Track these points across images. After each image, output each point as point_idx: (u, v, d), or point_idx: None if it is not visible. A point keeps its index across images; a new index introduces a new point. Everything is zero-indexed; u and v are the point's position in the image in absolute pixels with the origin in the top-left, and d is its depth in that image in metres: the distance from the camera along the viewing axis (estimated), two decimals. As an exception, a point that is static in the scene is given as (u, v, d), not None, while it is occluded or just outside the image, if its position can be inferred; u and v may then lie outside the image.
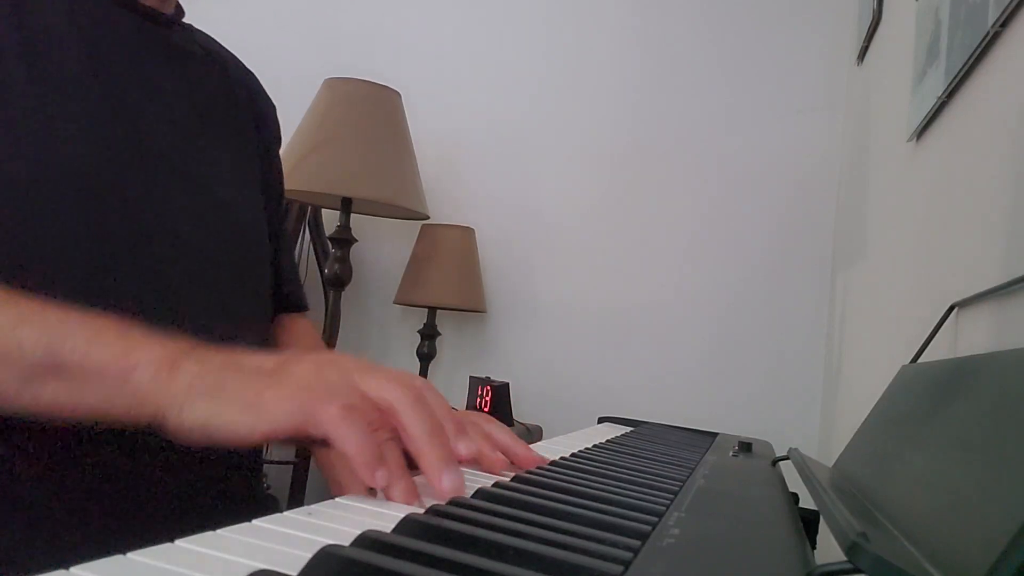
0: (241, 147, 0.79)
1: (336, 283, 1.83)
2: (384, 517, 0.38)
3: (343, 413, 0.41)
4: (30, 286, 0.51)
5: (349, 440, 0.41)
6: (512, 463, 0.57)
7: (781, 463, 0.72)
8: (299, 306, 0.90)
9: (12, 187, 0.55)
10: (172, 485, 0.62)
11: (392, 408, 0.44)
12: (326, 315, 1.82)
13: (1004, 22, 0.66)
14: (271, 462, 1.84)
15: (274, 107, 0.89)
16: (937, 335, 0.71)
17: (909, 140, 1.00)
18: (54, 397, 0.48)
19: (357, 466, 0.41)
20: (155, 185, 0.65)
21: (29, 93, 0.59)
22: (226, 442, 0.45)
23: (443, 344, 1.98)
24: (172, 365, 0.47)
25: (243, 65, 0.87)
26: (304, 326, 0.89)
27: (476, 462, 0.54)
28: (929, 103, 0.88)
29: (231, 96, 0.81)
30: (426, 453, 0.43)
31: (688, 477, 0.60)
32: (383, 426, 0.44)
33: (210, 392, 0.46)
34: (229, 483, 0.69)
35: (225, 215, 0.73)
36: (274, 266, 0.83)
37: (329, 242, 1.85)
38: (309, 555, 0.28)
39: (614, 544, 0.35)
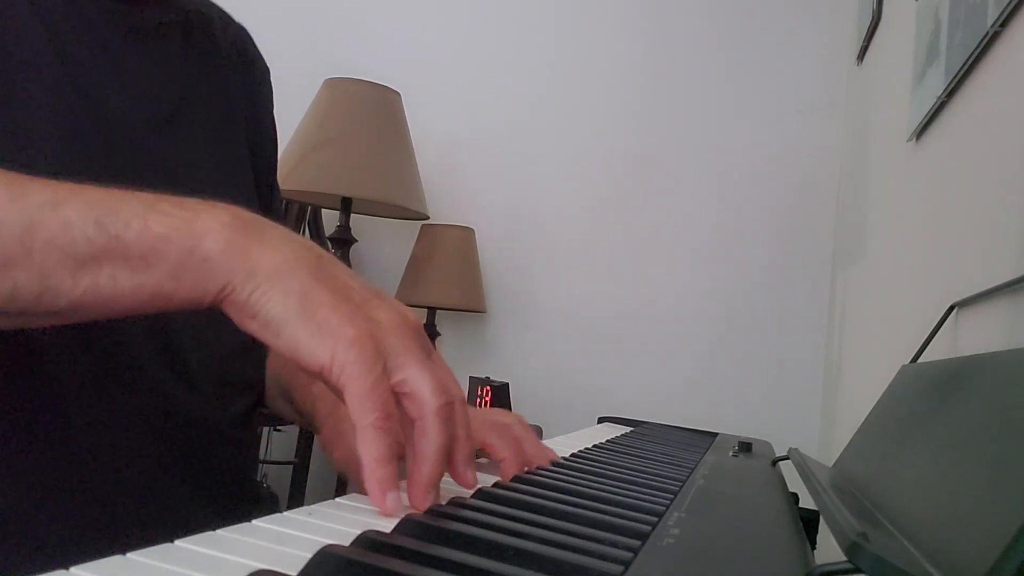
0: (227, 125, 0.74)
1: (336, 283, 1.82)
2: (384, 517, 0.38)
3: (378, 425, 0.39)
4: None
5: (371, 453, 0.39)
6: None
7: (781, 463, 0.72)
8: None
9: None
10: (167, 483, 0.62)
11: (421, 411, 0.41)
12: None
13: (1004, 22, 0.66)
14: (271, 462, 1.85)
15: (267, 69, 0.82)
16: (937, 335, 0.71)
17: (909, 140, 1.00)
18: (113, 282, 0.41)
19: (368, 483, 0.39)
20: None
21: None
22: (282, 351, 0.41)
23: (443, 344, 1.97)
24: (247, 234, 0.42)
25: (230, 21, 0.79)
26: None
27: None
28: (929, 103, 0.88)
29: (217, 69, 0.74)
30: (421, 471, 0.41)
31: (688, 477, 0.60)
32: (395, 425, 0.41)
33: (297, 292, 0.41)
34: (225, 481, 0.68)
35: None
36: None
37: (329, 242, 1.85)
38: (309, 555, 0.28)
39: (614, 544, 0.35)
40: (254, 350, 0.72)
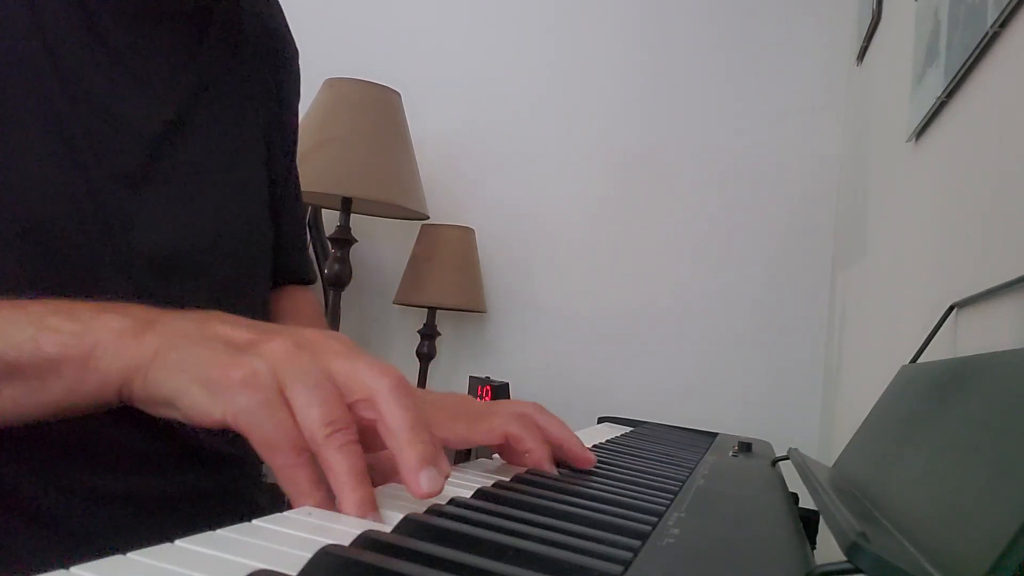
0: (243, 121, 0.69)
1: (336, 283, 1.83)
2: (384, 517, 0.38)
3: (289, 463, 0.37)
4: None
5: (296, 490, 0.38)
6: (564, 460, 0.56)
7: (781, 463, 0.72)
8: (302, 278, 0.82)
9: None
10: (171, 486, 0.62)
11: (372, 397, 0.39)
12: (326, 315, 1.82)
13: (1003, 22, 0.66)
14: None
15: (296, 52, 0.78)
16: (937, 335, 0.71)
17: (909, 140, 1.00)
18: (12, 401, 0.43)
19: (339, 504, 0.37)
20: (125, 205, 0.57)
21: None
22: (189, 422, 0.40)
23: (443, 344, 1.98)
24: (136, 336, 0.42)
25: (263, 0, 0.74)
26: (305, 299, 0.82)
27: (523, 457, 0.55)
28: (929, 103, 0.88)
29: (238, 56, 0.69)
30: (404, 449, 0.38)
31: (688, 477, 0.60)
32: (347, 425, 0.39)
33: (176, 363, 0.41)
34: (229, 482, 0.68)
35: (214, 223, 0.64)
36: (276, 234, 0.74)
37: (329, 242, 1.85)
38: (309, 555, 0.28)
39: (614, 544, 0.35)
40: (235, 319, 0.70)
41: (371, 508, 0.37)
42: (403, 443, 0.38)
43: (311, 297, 0.84)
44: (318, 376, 0.39)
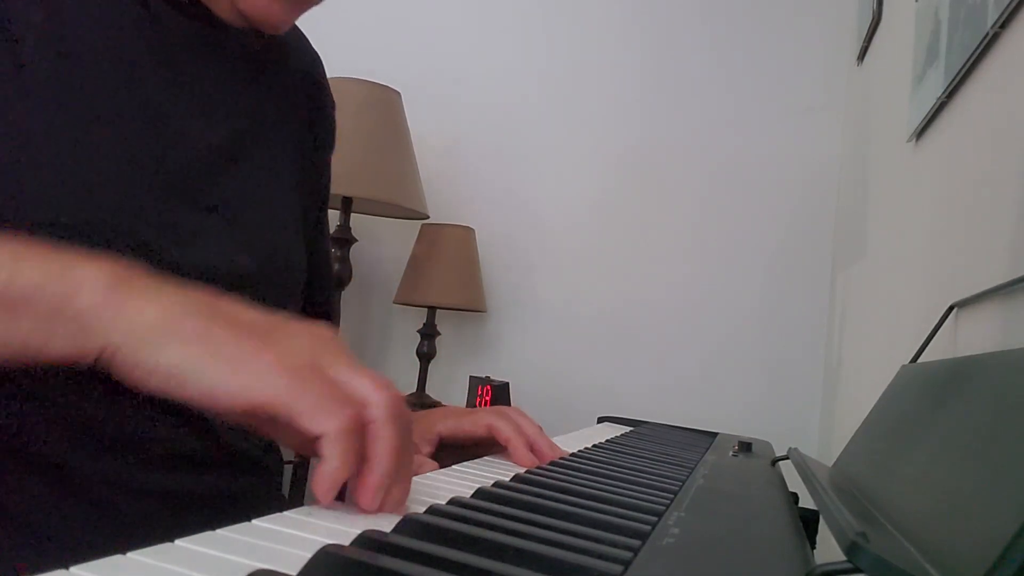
0: (283, 160, 0.72)
1: (336, 283, 1.83)
2: (384, 517, 0.38)
3: (342, 437, 0.37)
4: None
5: (334, 462, 0.37)
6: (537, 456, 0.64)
7: (781, 463, 0.72)
8: (326, 319, 0.84)
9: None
10: (205, 486, 0.63)
11: (371, 415, 0.39)
12: (326, 315, 1.83)
13: (1004, 23, 0.66)
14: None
15: (333, 104, 0.82)
16: (937, 335, 0.71)
17: (909, 140, 1.00)
18: None
19: (319, 481, 0.38)
20: (180, 221, 0.59)
21: (52, 99, 0.52)
22: (196, 400, 0.38)
23: (443, 344, 1.98)
24: (126, 289, 0.40)
25: (306, 48, 0.78)
26: None
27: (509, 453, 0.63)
28: (929, 103, 0.88)
29: (284, 100, 0.73)
30: (373, 472, 0.39)
31: (688, 477, 0.60)
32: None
33: (192, 336, 0.39)
34: (250, 486, 0.69)
35: (258, 252, 0.66)
36: (308, 277, 0.77)
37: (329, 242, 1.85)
38: (309, 555, 0.28)
39: (614, 544, 0.35)
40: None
41: (392, 498, 0.39)
42: (375, 467, 0.39)
43: None
44: (332, 385, 0.40)
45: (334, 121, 0.83)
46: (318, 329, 0.43)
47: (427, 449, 0.69)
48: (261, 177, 0.69)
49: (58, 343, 0.40)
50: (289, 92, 0.74)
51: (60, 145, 0.53)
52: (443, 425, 0.68)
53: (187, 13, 0.62)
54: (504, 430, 0.64)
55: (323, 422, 0.37)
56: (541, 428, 0.68)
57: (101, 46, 0.56)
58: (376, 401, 0.39)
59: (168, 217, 0.59)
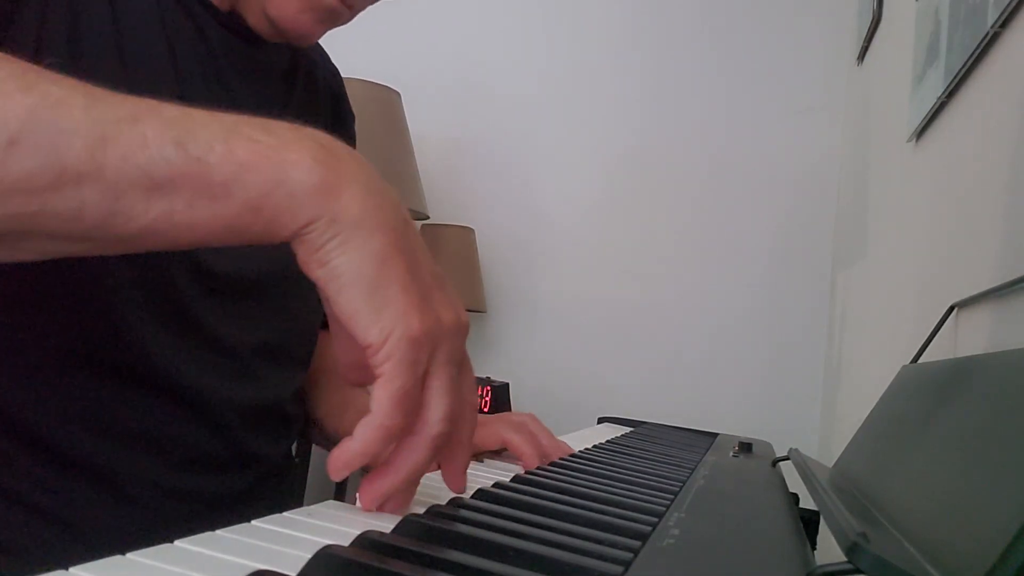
0: None
1: (336, 283, 1.83)
2: (384, 517, 0.38)
3: (388, 427, 0.37)
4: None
5: (367, 442, 0.37)
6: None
7: (781, 463, 0.72)
8: None
9: None
10: (223, 486, 0.65)
11: (420, 428, 0.39)
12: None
13: (1004, 22, 0.66)
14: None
15: (353, 116, 0.84)
16: (937, 335, 0.71)
17: (909, 140, 1.00)
18: (189, 209, 0.37)
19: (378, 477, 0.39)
20: None
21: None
22: (335, 313, 0.38)
23: (443, 344, 1.97)
24: (337, 168, 0.39)
25: (330, 65, 0.81)
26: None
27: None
28: (929, 103, 0.88)
29: (313, 117, 0.74)
30: (384, 478, 0.39)
31: (688, 477, 0.60)
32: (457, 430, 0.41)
33: (372, 255, 0.37)
34: (268, 485, 0.71)
35: (283, 253, 0.68)
36: None
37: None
38: (309, 555, 0.28)
39: (614, 544, 0.35)
40: (300, 390, 0.76)
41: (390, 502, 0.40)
42: (395, 470, 0.39)
43: None
44: (453, 374, 0.40)
45: (354, 135, 0.85)
46: (462, 313, 0.42)
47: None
48: None
49: (263, 223, 0.38)
50: (318, 108, 0.77)
51: None
52: None
53: (227, 25, 0.64)
54: (521, 446, 0.63)
55: (385, 415, 0.37)
56: (551, 432, 0.68)
57: (159, 59, 0.58)
58: (432, 424, 0.39)
59: None
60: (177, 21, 0.61)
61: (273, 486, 0.72)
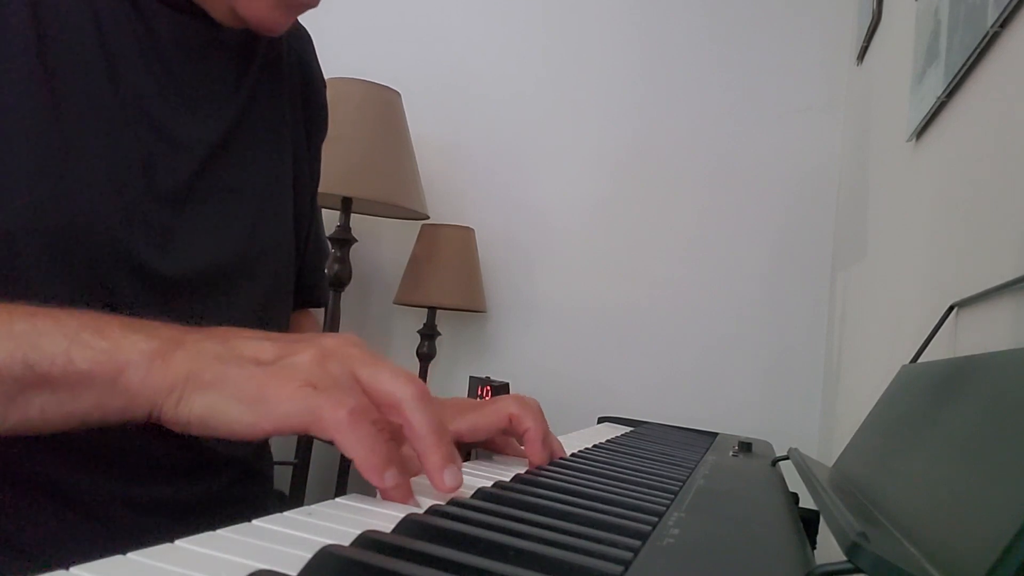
0: (276, 149, 0.73)
1: (336, 283, 1.83)
2: (384, 517, 0.38)
3: (350, 420, 0.40)
4: None
5: (357, 448, 0.40)
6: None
7: (781, 463, 0.72)
8: (316, 302, 0.86)
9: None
10: (191, 494, 0.63)
11: (398, 405, 0.43)
12: (326, 315, 1.82)
13: (1003, 22, 0.66)
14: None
15: (323, 82, 0.82)
16: (937, 335, 0.71)
17: (909, 140, 1.00)
18: (42, 411, 0.44)
19: (364, 472, 0.40)
20: (166, 220, 0.60)
21: (31, 100, 0.52)
22: (226, 436, 0.43)
23: (443, 344, 1.97)
24: (164, 357, 0.44)
25: (297, 31, 0.77)
26: (308, 322, 0.87)
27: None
28: (929, 103, 0.88)
29: (277, 89, 0.73)
30: (431, 452, 0.43)
31: (688, 477, 0.60)
32: (385, 426, 0.43)
33: (210, 385, 0.43)
34: (241, 488, 0.69)
35: (248, 243, 0.68)
36: (299, 261, 0.78)
37: (329, 242, 1.85)
38: (309, 555, 0.28)
39: (614, 544, 0.35)
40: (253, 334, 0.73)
41: (410, 495, 0.42)
42: (429, 446, 0.43)
43: (313, 319, 0.88)
44: (347, 382, 0.43)
45: (326, 102, 0.83)
46: (326, 341, 0.45)
47: None
48: (253, 166, 0.69)
49: (113, 414, 0.45)
50: (281, 78, 0.74)
51: (40, 147, 0.53)
52: (463, 422, 0.63)
53: (178, 9, 0.62)
54: (525, 420, 0.61)
55: (329, 427, 0.40)
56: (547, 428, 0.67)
57: (85, 44, 0.56)
58: (402, 394, 0.43)
59: (153, 219, 0.59)
60: (111, 4, 0.58)
61: (246, 489, 0.70)
